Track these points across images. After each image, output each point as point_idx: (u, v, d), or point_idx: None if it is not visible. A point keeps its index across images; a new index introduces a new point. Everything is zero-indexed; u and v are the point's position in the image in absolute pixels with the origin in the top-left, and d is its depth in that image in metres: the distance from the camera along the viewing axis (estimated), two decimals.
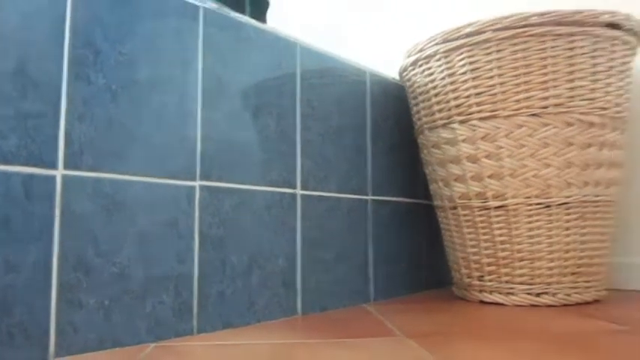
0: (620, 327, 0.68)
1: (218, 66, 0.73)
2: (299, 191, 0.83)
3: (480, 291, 0.93)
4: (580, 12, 0.83)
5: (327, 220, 0.88)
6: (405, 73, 1.03)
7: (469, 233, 0.94)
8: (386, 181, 1.03)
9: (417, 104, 1.00)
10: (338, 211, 0.91)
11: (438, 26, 0.98)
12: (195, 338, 0.64)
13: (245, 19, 0.79)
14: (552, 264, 0.87)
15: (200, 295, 0.68)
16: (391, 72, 1.10)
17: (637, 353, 0.54)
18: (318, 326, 0.72)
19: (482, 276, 0.93)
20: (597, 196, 0.88)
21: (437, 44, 0.91)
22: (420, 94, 0.98)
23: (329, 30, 1.53)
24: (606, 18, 0.84)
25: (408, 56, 1.00)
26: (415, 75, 0.98)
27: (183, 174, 0.67)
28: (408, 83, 1.02)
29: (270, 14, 1.03)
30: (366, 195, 0.97)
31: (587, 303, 0.89)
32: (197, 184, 0.69)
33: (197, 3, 0.71)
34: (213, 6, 0.74)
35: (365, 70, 1.00)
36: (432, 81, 0.94)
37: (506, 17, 0.84)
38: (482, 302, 0.93)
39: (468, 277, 0.95)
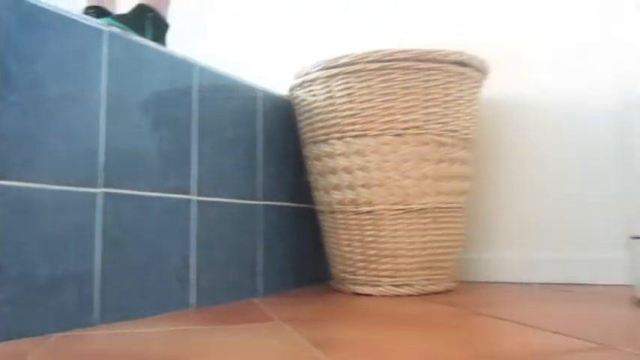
0: (458, 309, 0.85)
1: (121, 84, 0.81)
2: (194, 197, 0.93)
3: (353, 284, 1.08)
4: (435, 51, 1.00)
5: (219, 224, 0.98)
6: (293, 92, 1.15)
7: (344, 234, 1.08)
8: (275, 188, 1.15)
9: (302, 120, 1.13)
10: (230, 215, 1.01)
11: (325, 51, 1.11)
12: (96, 329, 0.72)
13: (146, 41, 0.88)
14: (411, 260, 1.04)
15: (101, 290, 0.75)
16: (283, 90, 1.22)
17: (460, 325, 0.70)
18: (209, 317, 0.82)
19: (354, 271, 1.07)
20: (449, 203, 1.06)
21: (319, 70, 1.05)
22: (305, 112, 1.11)
23: (229, 52, 1.65)
24: (455, 57, 1.02)
25: (296, 78, 1.12)
26: (301, 95, 1.12)
27: (87, 182, 0.75)
28: (295, 101, 1.15)
29: (175, 37, 1.12)
30: (257, 200, 1.09)
31: (440, 292, 1.07)
32: (99, 190, 0.76)
33: (102, 27, 0.79)
34: (117, 30, 0.82)
35: (257, 87, 1.11)
36: (315, 101, 1.08)
37: (376, 52, 0.99)
38: (355, 294, 1.07)
39: (343, 272, 1.10)
